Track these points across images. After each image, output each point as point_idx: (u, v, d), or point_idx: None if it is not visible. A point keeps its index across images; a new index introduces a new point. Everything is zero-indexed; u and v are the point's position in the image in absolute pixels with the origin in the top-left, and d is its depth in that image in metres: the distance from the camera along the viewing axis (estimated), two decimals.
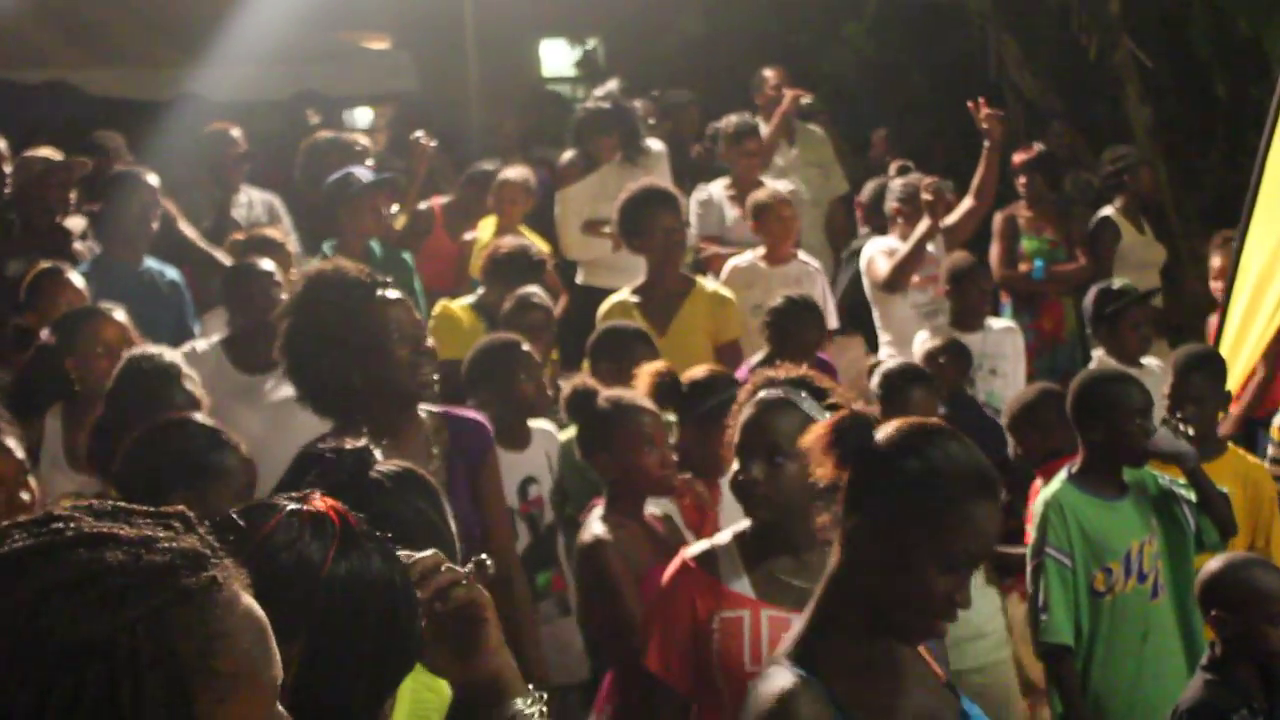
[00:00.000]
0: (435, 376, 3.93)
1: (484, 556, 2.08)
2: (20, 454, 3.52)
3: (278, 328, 3.91)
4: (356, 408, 3.84)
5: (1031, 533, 4.74)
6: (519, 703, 2.05)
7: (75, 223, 7.33)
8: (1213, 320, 6.70)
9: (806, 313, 6.26)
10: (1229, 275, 6.39)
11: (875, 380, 5.51)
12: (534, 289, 6.10)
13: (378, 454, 2.47)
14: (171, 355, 4.38)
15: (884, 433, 2.55)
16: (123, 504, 1.39)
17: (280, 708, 1.40)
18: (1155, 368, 6.39)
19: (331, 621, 1.82)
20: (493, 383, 5.17)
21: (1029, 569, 4.70)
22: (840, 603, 2.55)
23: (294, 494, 1.95)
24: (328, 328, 3.80)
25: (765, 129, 9.47)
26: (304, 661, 1.75)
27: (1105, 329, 6.56)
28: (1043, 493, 4.77)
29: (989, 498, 2.49)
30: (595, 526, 4.19)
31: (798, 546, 3.49)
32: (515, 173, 8.22)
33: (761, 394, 3.50)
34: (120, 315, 5.10)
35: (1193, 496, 4.78)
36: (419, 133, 8.33)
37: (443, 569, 2.00)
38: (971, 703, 2.68)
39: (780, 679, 2.46)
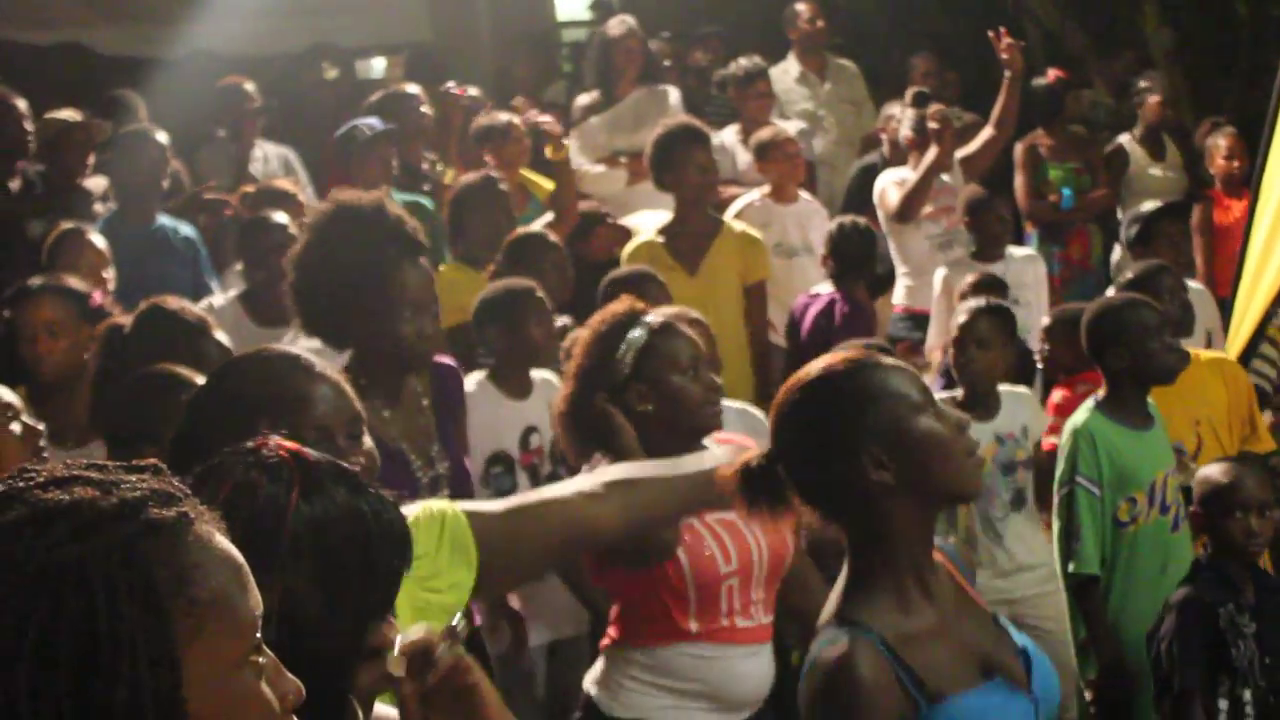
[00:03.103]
0: (428, 357, 3.89)
1: (454, 622, 1.99)
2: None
3: (290, 263, 3.84)
4: (353, 356, 3.80)
5: (1060, 462, 4.71)
6: None
7: (96, 183, 7.33)
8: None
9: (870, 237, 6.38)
10: (1245, 226, 6.32)
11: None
12: (540, 230, 6.03)
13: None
14: (199, 309, 4.33)
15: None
16: (94, 461, 1.38)
17: (264, 647, 1.39)
18: (1195, 288, 6.33)
19: (303, 566, 1.77)
20: (502, 326, 5.13)
21: (1057, 498, 4.68)
22: (863, 559, 2.54)
23: (248, 445, 1.89)
24: (343, 271, 3.71)
25: (796, 64, 9.41)
26: (282, 609, 1.72)
27: (1140, 252, 6.55)
28: (1070, 422, 4.74)
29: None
30: None
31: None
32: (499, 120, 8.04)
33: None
34: (75, 284, 4.93)
35: None
36: (450, 84, 8.26)
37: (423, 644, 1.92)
38: (1023, 635, 2.68)
39: (834, 644, 2.45)
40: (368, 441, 2.55)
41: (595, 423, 3.73)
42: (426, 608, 2.51)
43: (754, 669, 3.75)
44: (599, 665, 3.88)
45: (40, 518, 1.29)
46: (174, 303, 4.13)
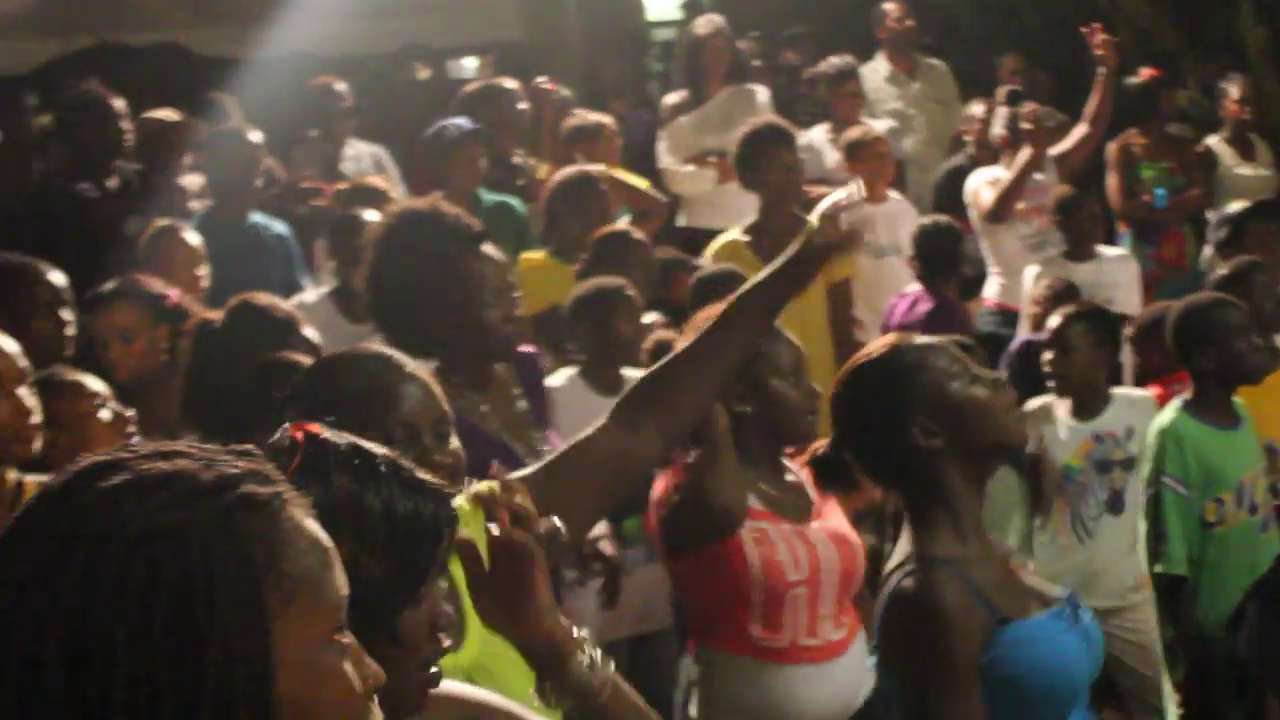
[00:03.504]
0: (519, 341, 3.92)
1: (557, 523, 2.06)
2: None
3: (366, 257, 3.88)
4: (441, 357, 3.83)
5: (1147, 462, 4.68)
6: (579, 661, 2.04)
7: (191, 181, 7.44)
8: None
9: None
10: None
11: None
12: (626, 228, 6.06)
13: None
14: (288, 306, 4.38)
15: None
16: (193, 442, 1.42)
17: (347, 630, 1.41)
18: None
19: None
20: (593, 324, 5.17)
21: (1144, 498, 4.65)
22: (924, 520, 2.76)
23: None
24: (419, 272, 3.73)
25: (885, 63, 9.39)
26: None
27: (1229, 253, 6.48)
28: (1157, 422, 4.71)
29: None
30: None
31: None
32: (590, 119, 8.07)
33: None
34: (150, 285, 4.96)
35: None
36: (542, 79, 8.32)
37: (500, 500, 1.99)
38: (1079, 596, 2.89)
39: (913, 575, 2.69)
40: (454, 442, 2.58)
41: None
42: None
43: (820, 694, 3.72)
44: (685, 678, 3.93)
45: (142, 484, 1.32)
46: (264, 299, 4.18)
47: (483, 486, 2.02)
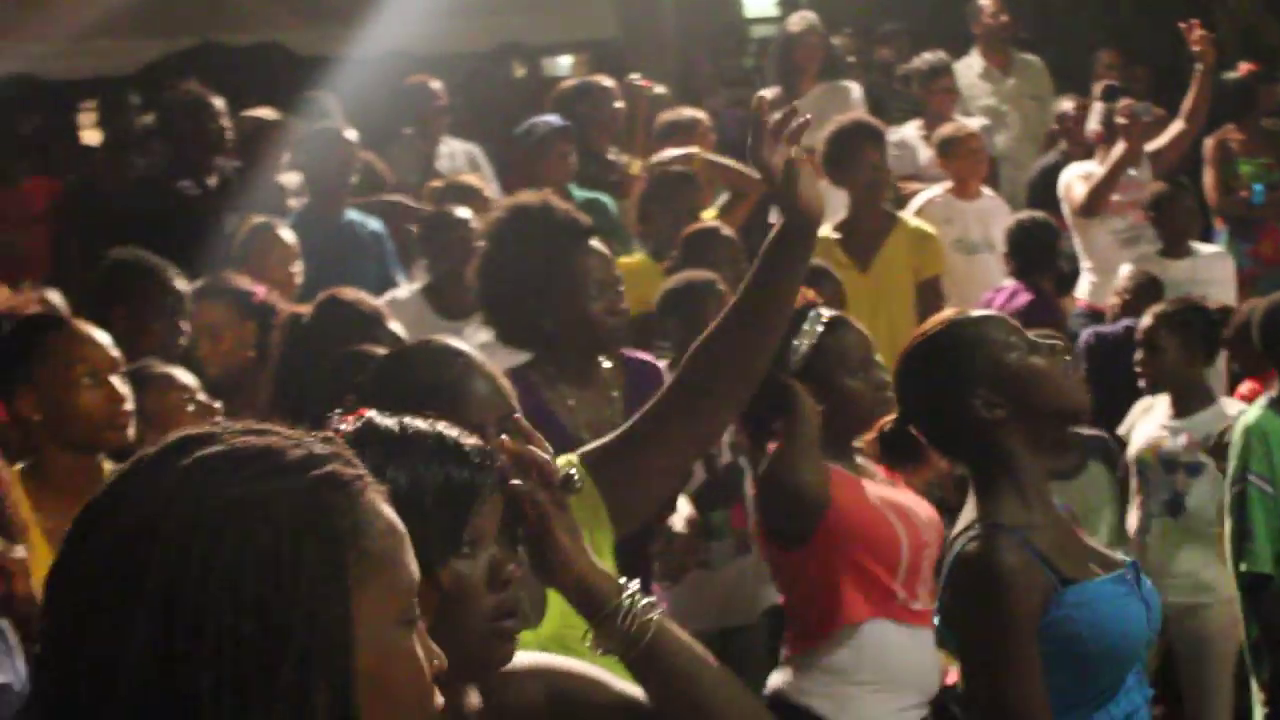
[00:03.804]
0: (623, 332, 3.98)
1: (570, 472, 2.11)
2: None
3: (478, 251, 3.99)
4: (545, 348, 3.93)
5: (1231, 460, 4.65)
6: (620, 603, 2.06)
7: (289, 179, 7.56)
8: None
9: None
10: None
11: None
12: (715, 224, 6.07)
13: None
14: (374, 300, 4.47)
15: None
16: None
17: (421, 622, 1.46)
18: None
19: None
20: (683, 318, 5.19)
21: (1229, 496, 4.62)
22: (989, 488, 2.85)
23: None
24: (528, 265, 3.86)
25: (980, 59, 9.35)
26: None
27: None
28: (1241, 420, 4.68)
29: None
30: None
31: None
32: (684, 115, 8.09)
33: None
34: (237, 282, 5.06)
35: None
36: (636, 76, 8.37)
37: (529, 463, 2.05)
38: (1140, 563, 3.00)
39: (977, 539, 2.79)
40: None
41: (773, 404, 3.80)
42: None
43: (924, 656, 3.81)
44: (784, 674, 3.96)
45: (235, 456, 1.38)
46: (350, 293, 4.27)
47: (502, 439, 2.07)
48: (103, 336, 3.62)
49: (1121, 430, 5.47)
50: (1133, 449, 5.26)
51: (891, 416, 3.05)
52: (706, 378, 2.89)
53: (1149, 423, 5.29)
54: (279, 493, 1.36)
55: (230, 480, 1.36)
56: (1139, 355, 5.25)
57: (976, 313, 3.05)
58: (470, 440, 1.97)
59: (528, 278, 3.86)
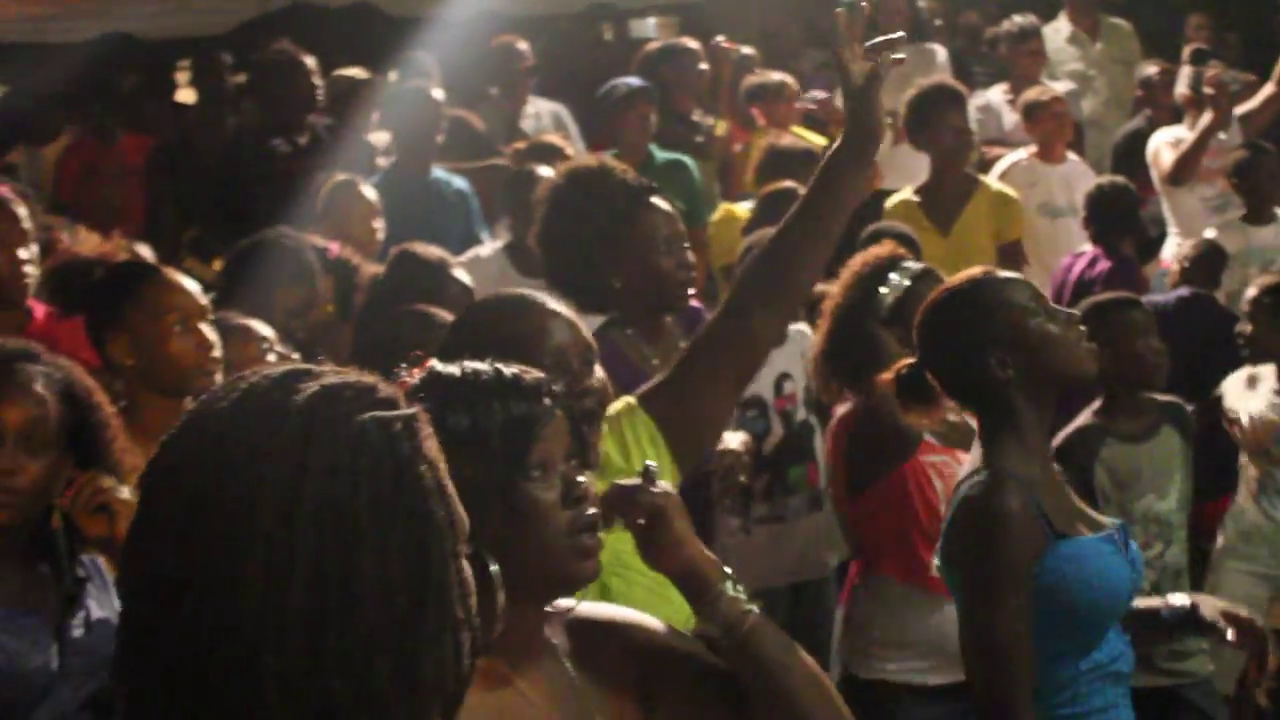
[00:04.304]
0: (692, 290, 4.04)
1: (649, 464, 2.21)
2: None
3: (537, 217, 4.05)
4: (614, 308, 3.98)
5: None
6: (724, 589, 2.14)
7: (379, 138, 7.67)
8: None
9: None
10: None
11: None
12: (792, 184, 6.11)
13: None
14: (439, 251, 4.56)
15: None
16: None
17: (465, 564, 1.53)
18: None
19: None
20: None
21: None
22: (996, 437, 3.03)
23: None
24: (592, 228, 3.91)
25: (1067, 24, 9.29)
26: None
27: None
28: None
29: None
30: None
31: None
32: (771, 79, 8.14)
33: None
34: (310, 239, 5.06)
35: None
36: (720, 38, 8.40)
37: (613, 496, 2.15)
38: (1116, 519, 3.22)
39: (985, 483, 2.96)
40: (599, 371, 2.76)
41: (856, 356, 3.89)
42: None
43: (947, 628, 3.84)
44: (843, 635, 4.05)
45: (340, 389, 1.47)
46: (421, 249, 4.38)
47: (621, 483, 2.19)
48: (192, 284, 3.72)
49: (1219, 394, 5.44)
50: (1244, 418, 5.22)
51: (909, 360, 3.21)
52: (757, 287, 3.00)
53: (1256, 397, 5.26)
54: (389, 421, 1.46)
55: (345, 411, 1.45)
56: (1243, 326, 5.25)
57: (1003, 274, 3.20)
58: (528, 374, 2.08)
59: (593, 240, 3.89)
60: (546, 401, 2.06)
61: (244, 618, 1.37)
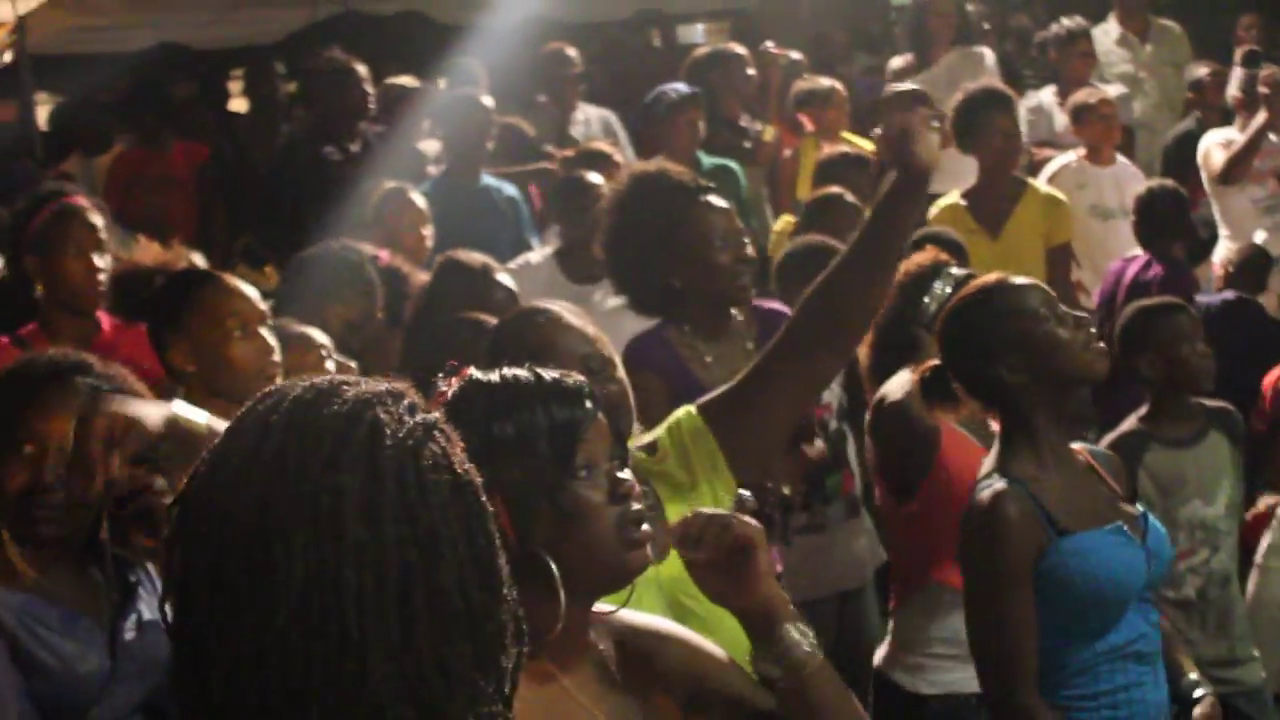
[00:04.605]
0: (751, 284, 4.09)
1: (742, 493, 2.26)
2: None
3: (600, 224, 4.13)
4: (676, 308, 4.05)
5: None
6: (790, 630, 2.16)
7: (429, 145, 7.72)
8: None
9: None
10: None
11: None
12: (839, 190, 6.12)
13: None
14: (483, 256, 4.60)
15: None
16: None
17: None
18: None
19: None
20: (800, 284, 5.24)
21: None
22: (1010, 437, 3.24)
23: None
24: (651, 229, 4.01)
25: (1117, 26, 9.27)
26: None
27: None
28: None
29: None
30: None
31: None
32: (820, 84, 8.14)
33: None
34: (361, 246, 5.08)
35: None
36: (768, 43, 8.42)
37: (704, 523, 2.17)
38: (1142, 504, 3.40)
39: (989, 491, 3.16)
40: (620, 373, 2.87)
41: (902, 364, 3.94)
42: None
43: None
44: (889, 646, 4.05)
45: (376, 399, 1.54)
46: (465, 256, 4.43)
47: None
48: (251, 290, 3.75)
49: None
50: None
51: (934, 361, 3.40)
52: (817, 325, 3.02)
53: None
54: (434, 429, 1.53)
55: (389, 417, 1.51)
56: None
57: (1017, 280, 3.34)
58: (569, 376, 2.14)
59: (652, 240, 4.00)
60: (588, 404, 2.12)
61: (344, 620, 1.43)
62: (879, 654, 4.15)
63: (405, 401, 1.54)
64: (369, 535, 1.45)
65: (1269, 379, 5.60)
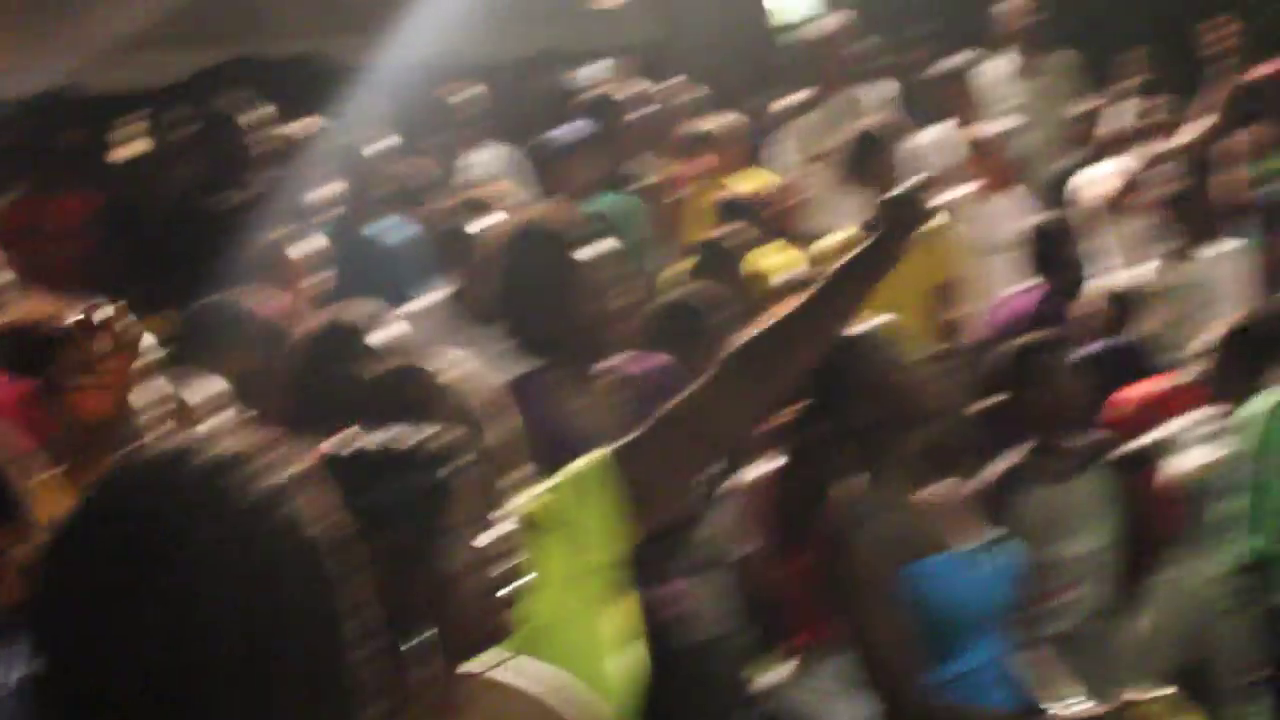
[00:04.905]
0: (622, 335, 4.12)
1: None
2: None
3: (482, 272, 4.18)
4: (556, 353, 4.06)
5: None
6: None
7: (326, 189, 7.65)
8: None
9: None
10: None
11: None
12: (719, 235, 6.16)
13: None
14: (369, 306, 4.58)
15: None
16: None
17: None
18: None
19: None
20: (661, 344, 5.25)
21: None
22: (865, 464, 3.60)
23: None
24: (530, 277, 4.07)
25: (1009, 58, 9.36)
26: None
27: None
28: None
29: None
30: None
31: None
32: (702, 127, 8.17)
33: None
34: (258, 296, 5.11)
35: None
36: (670, 81, 8.45)
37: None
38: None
39: (845, 517, 3.56)
40: (506, 423, 2.83)
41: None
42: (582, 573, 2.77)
43: None
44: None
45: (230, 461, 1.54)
46: (338, 310, 4.40)
47: None
48: (144, 338, 3.72)
49: None
50: None
51: (803, 404, 3.70)
52: (740, 378, 2.91)
53: None
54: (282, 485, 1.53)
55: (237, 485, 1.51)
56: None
57: (860, 327, 3.57)
58: (433, 442, 2.16)
59: (535, 286, 4.04)
60: (455, 467, 2.14)
61: (192, 686, 1.44)
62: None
63: (269, 459, 1.54)
64: (217, 599, 1.46)
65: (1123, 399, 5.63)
